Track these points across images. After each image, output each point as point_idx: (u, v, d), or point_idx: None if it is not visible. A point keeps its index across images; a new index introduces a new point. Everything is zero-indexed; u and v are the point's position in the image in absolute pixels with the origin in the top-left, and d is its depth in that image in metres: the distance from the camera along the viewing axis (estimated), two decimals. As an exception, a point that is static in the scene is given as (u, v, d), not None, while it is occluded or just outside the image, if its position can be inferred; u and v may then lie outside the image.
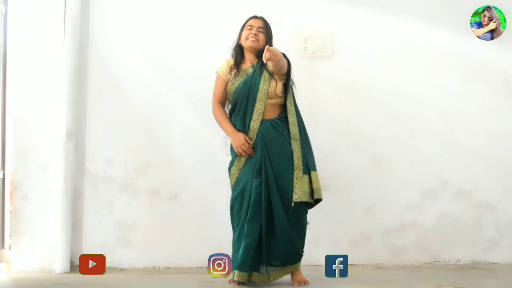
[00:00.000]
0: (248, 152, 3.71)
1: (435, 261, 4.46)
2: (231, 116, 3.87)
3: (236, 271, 3.69)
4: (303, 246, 3.79)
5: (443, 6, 4.58)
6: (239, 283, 3.71)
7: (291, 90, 3.87)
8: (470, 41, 4.53)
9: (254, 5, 4.43)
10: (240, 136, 3.72)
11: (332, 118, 4.54)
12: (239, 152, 3.72)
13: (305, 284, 3.75)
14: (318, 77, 4.55)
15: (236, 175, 3.78)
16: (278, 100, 3.82)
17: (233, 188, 3.81)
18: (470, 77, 4.55)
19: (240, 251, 3.68)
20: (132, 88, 4.53)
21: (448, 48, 4.57)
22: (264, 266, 3.72)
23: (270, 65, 3.72)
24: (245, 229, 3.67)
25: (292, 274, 3.79)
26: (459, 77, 4.56)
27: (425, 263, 4.45)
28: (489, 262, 4.45)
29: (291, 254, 3.71)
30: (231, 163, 3.83)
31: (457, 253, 4.48)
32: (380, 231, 4.48)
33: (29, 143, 4.42)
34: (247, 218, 3.68)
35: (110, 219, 4.48)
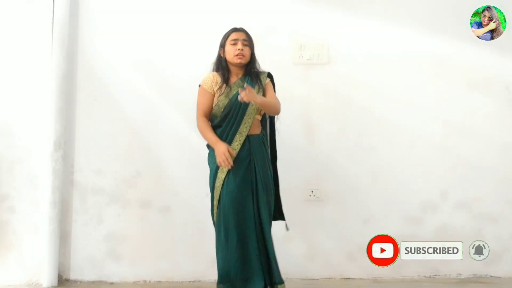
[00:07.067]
0: (227, 162, 3.55)
1: (436, 275, 4.33)
2: (216, 129, 3.71)
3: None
4: None
5: (442, 14, 4.48)
6: None
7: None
8: (471, 48, 4.42)
9: (251, 11, 4.36)
10: (224, 145, 3.58)
11: (328, 128, 4.44)
12: (219, 162, 3.56)
13: None
14: (314, 85, 4.45)
15: (220, 187, 3.62)
16: (260, 117, 3.74)
17: (222, 199, 3.63)
18: (470, 85, 4.45)
19: (254, 264, 3.53)
20: (122, 96, 4.43)
21: (447, 56, 4.46)
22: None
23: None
24: (241, 242, 3.54)
25: None
26: (459, 85, 4.45)
27: (425, 276, 4.31)
28: (491, 276, 4.32)
29: (278, 272, 3.60)
30: (214, 176, 3.66)
31: (458, 266, 4.34)
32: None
33: (16, 153, 4.32)
34: (243, 233, 3.54)
35: (99, 231, 4.37)
